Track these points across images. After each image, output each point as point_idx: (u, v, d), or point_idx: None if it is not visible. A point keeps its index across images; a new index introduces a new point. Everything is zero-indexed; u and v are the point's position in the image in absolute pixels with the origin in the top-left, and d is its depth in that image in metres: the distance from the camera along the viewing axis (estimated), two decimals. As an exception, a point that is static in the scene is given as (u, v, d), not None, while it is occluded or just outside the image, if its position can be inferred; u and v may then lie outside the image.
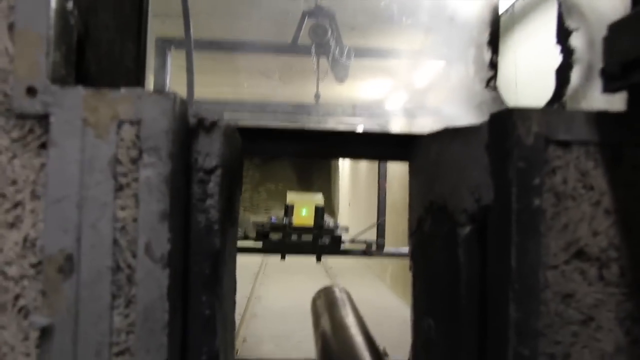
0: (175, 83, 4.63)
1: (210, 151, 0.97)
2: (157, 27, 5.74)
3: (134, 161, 0.83)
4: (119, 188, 0.83)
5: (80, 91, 0.83)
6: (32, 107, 0.83)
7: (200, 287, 0.95)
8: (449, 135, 1.08)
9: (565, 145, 0.89)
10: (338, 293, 1.17)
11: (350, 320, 0.95)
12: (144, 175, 0.83)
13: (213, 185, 0.97)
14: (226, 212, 1.07)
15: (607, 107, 0.96)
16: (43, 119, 0.83)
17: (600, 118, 0.91)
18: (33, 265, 0.83)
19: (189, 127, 0.94)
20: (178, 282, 0.89)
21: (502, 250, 0.90)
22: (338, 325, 0.93)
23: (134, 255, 0.83)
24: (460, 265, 1.03)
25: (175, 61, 4.73)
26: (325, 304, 1.11)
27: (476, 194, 0.98)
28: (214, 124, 0.97)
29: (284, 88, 8.66)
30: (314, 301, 1.20)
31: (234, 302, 1.34)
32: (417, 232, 1.29)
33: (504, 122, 0.90)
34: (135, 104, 0.84)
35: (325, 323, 0.99)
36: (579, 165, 0.90)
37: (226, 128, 1.01)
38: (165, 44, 5.11)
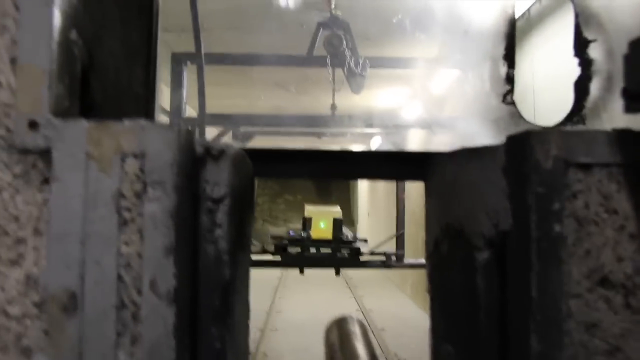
0: (193, 97, 4.65)
1: (218, 180, 0.95)
2: (172, 41, 5.79)
3: (139, 195, 0.81)
4: (124, 223, 0.81)
5: (83, 124, 0.82)
6: (34, 141, 0.81)
7: (209, 319, 0.93)
8: (465, 156, 1.05)
9: (586, 167, 0.85)
10: (351, 326, 1.14)
11: (363, 360, 0.93)
12: (149, 210, 0.81)
13: (222, 215, 0.95)
14: (236, 240, 1.05)
15: (630, 121, 0.92)
16: (45, 154, 0.82)
17: (623, 137, 0.87)
18: (36, 304, 0.81)
19: (195, 156, 0.92)
20: (185, 316, 0.87)
21: (522, 279, 0.87)
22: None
23: (139, 292, 0.81)
24: (478, 292, 0.99)
25: (192, 75, 4.75)
26: (339, 339, 1.08)
27: (494, 219, 0.94)
28: (221, 152, 0.95)
29: (300, 99, 8.67)
30: (327, 333, 1.17)
31: (247, 327, 1.31)
32: (434, 254, 1.25)
33: (521, 145, 0.86)
34: (139, 136, 0.82)
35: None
36: (601, 189, 0.86)
37: (235, 155, 0.98)
38: (181, 59, 5.14)
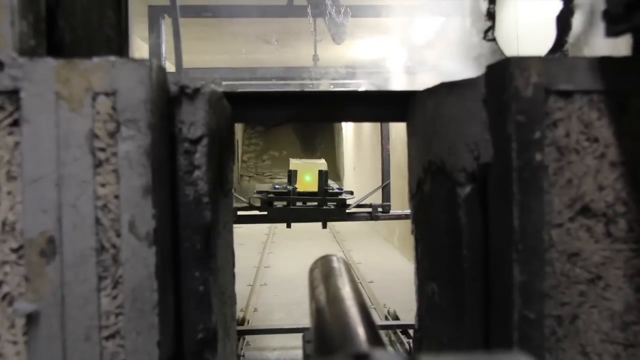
0: (173, 52, 4.56)
1: (194, 120, 0.93)
2: (148, -6, 5.64)
3: (112, 135, 0.80)
4: (98, 164, 0.80)
5: (50, 62, 0.79)
6: (0, 82, 0.79)
7: (192, 262, 0.93)
8: (445, 91, 1.04)
9: (566, 95, 0.85)
10: (336, 263, 1.14)
11: (346, 292, 0.93)
12: (123, 149, 0.80)
13: (200, 156, 0.94)
14: (217, 183, 1.04)
15: (612, 53, 0.91)
16: (13, 94, 0.80)
17: (604, 65, 0.86)
18: (14, 250, 0.81)
19: (169, 95, 0.90)
20: (167, 259, 0.87)
21: (504, 210, 0.87)
22: (332, 298, 0.91)
23: (118, 234, 0.80)
24: (461, 227, 1.00)
25: (171, 30, 4.64)
26: (322, 274, 1.08)
27: (475, 152, 0.94)
28: (196, 91, 0.93)
29: (283, 52, 8.54)
30: (311, 271, 1.17)
31: (233, 275, 1.31)
32: (417, 194, 1.25)
33: (501, 73, 0.85)
34: (110, 73, 0.80)
35: (321, 295, 0.97)
36: (582, 117, 0.85)
37: (211, 95, 0.97)
38: (157, 12, 5.02)
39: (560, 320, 0.85)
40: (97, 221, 0.80)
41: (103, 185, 0.80)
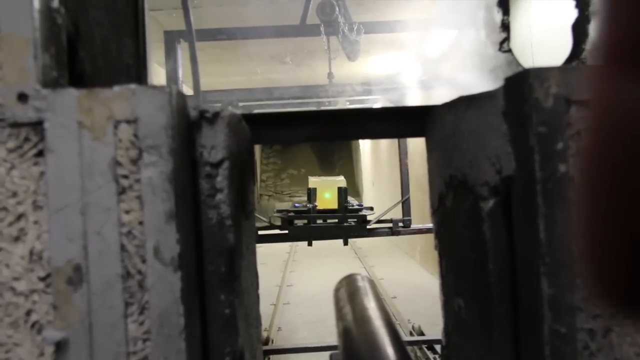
0: (189, 76, 4.62)
1: (215, 144, 0.94)
2: (164, 20, 5.73)
3: (135, 162, 0.80)
4: (122, 191, 0.80)
5: (72, 93, 0.80)
6: (25, 114, 0.80)
7: (217, 286, 0.92)
8: (463, 104, 1.03)
9: (589, 104, 0.84)
10: (360, 282, 1.14)
11: (373, 312, 0.93)
12: (146, 176, 0.80)
13: (221, 179, 0.94)
14: (239, 205, 1.04)
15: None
16: (37, 126, 0.81)
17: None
18: (42, 279, 0.81)
19: (190, 120, 0.91)
20: (192, 283, 0.87)
21: (529, 223, 0.86)
22: (360, 318, 0.91)
23: (144, 260, 0.80)
24: (486, 242, 0.98)
25: (187, 54, 4.71)
26: (347, 294, 1.08)
27: (497, 165, 0.93)
28: (216, 115, 0.93)
29: (298, 71, 8.60)
30: (336, 291, 1.17)
31: (258, 296, 1.31)
32: (440, 209, 1.24)
33: (520, 85, 0.84)
34: (130, 101, 0.80)
35: (348, 315, 0.97)
36: (605, 125, 0.84)
37: (230, 118, 0.97)
38: (173, 37, 5.09)
39: (592, 334, 0.83)
40: (122, 248, 0.80)
41: (127, 212, 0.80)
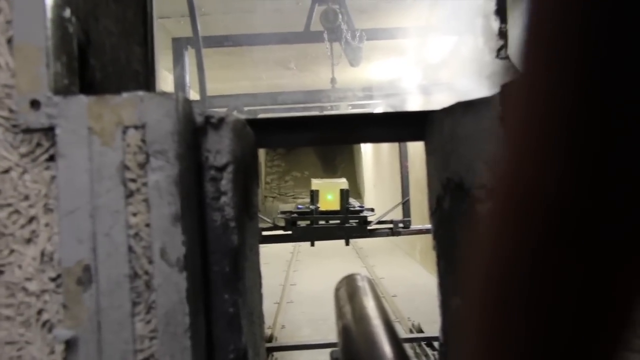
0: (196, 82, 4.63)
1: (220, 148, 0.94)
2: (172, 27, 5.75)
3: (142, 166, 0.81)
4: (130, 194, 0.81)
5: (82, 100, 0.81)
6: (37, 120, 0.81)
7: (221, 285, 0.93)
8: (461, 110, 1.04)
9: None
10: (360, 281, 1.14)
11: (372, 311, 0.93)
12: (153, 180, 0.80)
13: (226, 183, 0.94)
14: (242, 207, 1.05)
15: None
16: (49, 131, 0.81)
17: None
18: (52, 279, 0.82)
19: (195, 126, 0.91)
20: (198, 283, 0.87)
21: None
22: (359, 317, 0.91)
23: (150, 261, 0.81)
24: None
25: (194, 60, 4.72)
26: (347, 293, 1.08)
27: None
28: (221, 121, 0.94)
29: (302, 76, 8.62)
30: (337, 290, 1.17)
31: (261, 295, 1.31)
32: (437, 211, 1.25)
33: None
34: (138, 107, 0.81)
35: (347, 314, 0.97)
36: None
37: (235, 123, 0.98)
38: (181, 44, 5.10)
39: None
40: (130, 249, 0.81)
41: (135, 214, 0.81)
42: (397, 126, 1.34)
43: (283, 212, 5.14)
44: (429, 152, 1.29)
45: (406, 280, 8.05)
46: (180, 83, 4.90)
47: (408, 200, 5.12)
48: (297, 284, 8.13)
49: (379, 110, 9.48)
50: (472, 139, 0.99)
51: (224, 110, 0.97)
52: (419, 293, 6.98)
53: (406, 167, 5.20)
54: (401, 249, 10.73)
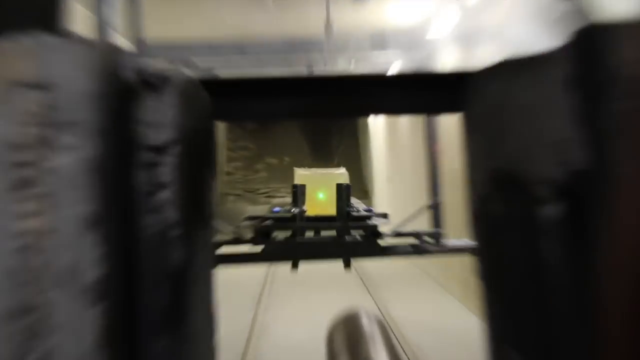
0: (128, 23, 4.61)
1: (160, 120, 0.95)
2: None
3: (44, 143, 0.81)
4: (22, 185, 0.81)
5: (-46, 45, 0.81)
6: None
7: (155, 325, 0.93)
8: (513, 70, 1.05)
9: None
10: (365, 320, 1.14)
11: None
12: (60, 164, 0.81)
13: (168, 170, 0.95)
14: (191, 208, 1.05)
15: None
16: None
17: None
18: None
19: (126, 87, 0.92)
20: (119, 321, 0.88)
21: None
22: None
23: (51, 288, 0.81)
24: (547, 265, 1.00)
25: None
26: (346, 339, 1.08)
27: (561, 155, 0.95)
28: (164, 81, 0.95)
29: (283, 19, 8.60)
30: (330, 335, 1.17)
31: (213, 348, 1.31)
32: (481, 218, 1.26)
33: (594, 43, 0.86)
34: (40, 58, 0.81)
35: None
36: None
37: (184, 85, 0.98)
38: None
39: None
40: (18, 269, 0.81)
41: (28, 215, 0.81)
42: (422, 92, 1.35)
43: (251, 218, 5.14)
44: (469, 129, 1.29)
45: (437, 324, 8.06)
46: (103, 24, 4.88)
47: (440, 202, 5.12)
48: (270, 329, 8.13)
49: (394, 69, 9.52)
50: (529, 112, 1.00)
51: (168, 65, 0.97)
52: (456, 344, 6.99)
53: (437, 153, 5.20)
54: (430, 277, 10.76)
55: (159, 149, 0.94)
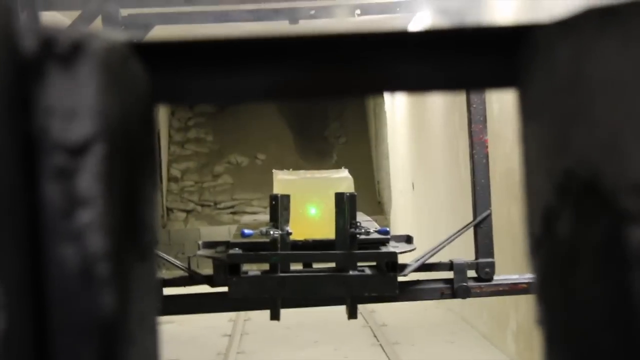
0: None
1: (75, 106, 0.95)
2: None
3: None
4: None
5: None
6: None
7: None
8: (594, 24, 1.06)
9: None
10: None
11: None
12: None
13: (90, 179, 0.96)
14: (124, 232, 1.06)
15: None
16: None
17: None
18: None
19: (22, 59, 0.93)
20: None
21: None
22: None
23: None
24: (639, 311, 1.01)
25: None
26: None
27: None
28: (77, 49, 0.96)
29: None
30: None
31: None
32: (545, 239, 1.27)
33: None
34: None
35: None
36: None
37: (108, 54, 0.99)
38: None
39: None
40: None
41: None
42: (459, 58, 1.36)
43: (210, 245, 5.14)
44: (527, 114, 1.31)
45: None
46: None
47: (489, 217, 5.12)
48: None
49: (418, 25, 9.58)
50: (617, 87, 1.01)
51: (83, 26, 0.97)
52: None
53: (484, 145, 5.19)
54: (474, 328, 10.77)
55: (76, 150, 0.95)
